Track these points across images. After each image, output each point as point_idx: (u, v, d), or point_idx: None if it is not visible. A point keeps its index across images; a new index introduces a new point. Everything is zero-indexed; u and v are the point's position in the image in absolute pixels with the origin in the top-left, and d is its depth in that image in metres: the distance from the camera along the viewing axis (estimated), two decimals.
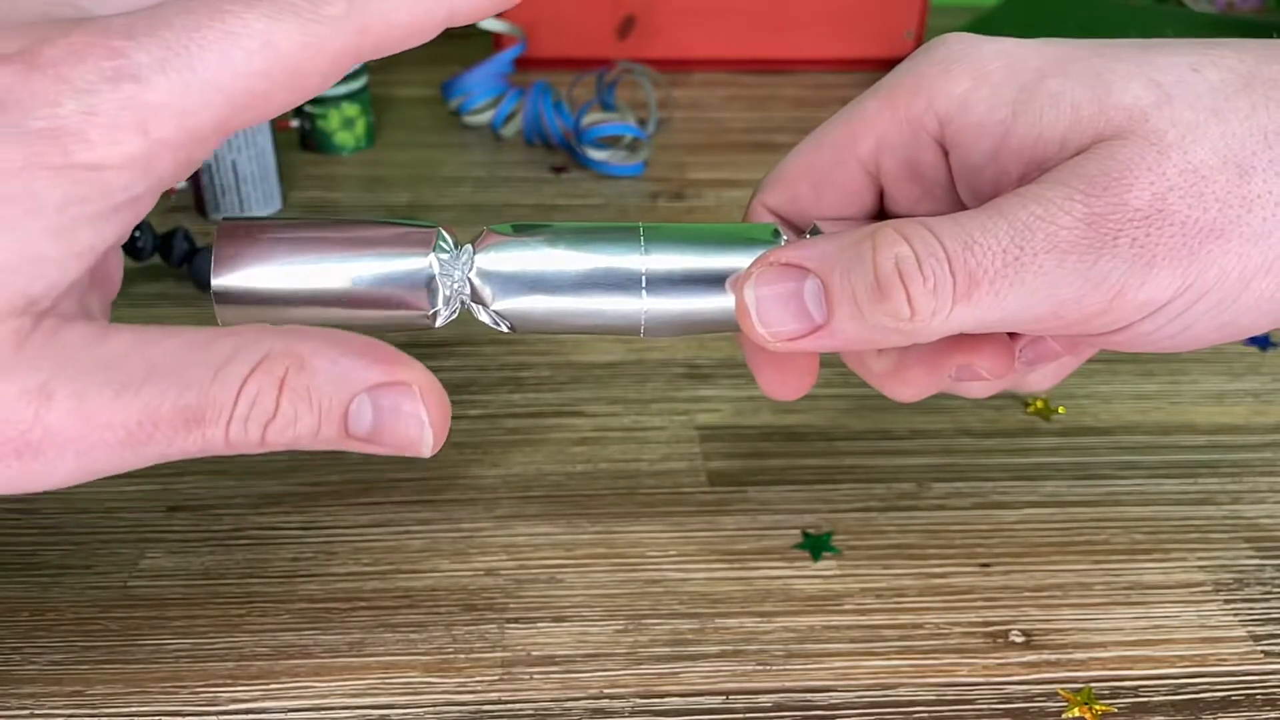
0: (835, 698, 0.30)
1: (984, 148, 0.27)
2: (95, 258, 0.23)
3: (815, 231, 0.29)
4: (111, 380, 0.22)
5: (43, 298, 0.22)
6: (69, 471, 0.23)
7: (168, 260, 0.48)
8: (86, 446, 0.22)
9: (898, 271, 0.25)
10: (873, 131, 0.29)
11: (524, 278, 0.28)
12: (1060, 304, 0.25)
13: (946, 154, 0.28)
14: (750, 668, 0.31)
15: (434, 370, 0.24)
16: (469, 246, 0.28)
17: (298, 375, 0.23)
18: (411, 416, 0.24)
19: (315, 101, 0.59)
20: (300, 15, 0.23)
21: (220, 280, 0.26)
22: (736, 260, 0.28)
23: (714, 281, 0.28)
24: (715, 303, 0.28)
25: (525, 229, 0.28)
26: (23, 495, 0.36)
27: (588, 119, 0.62)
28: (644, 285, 0.28)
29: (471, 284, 0.28)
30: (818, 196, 0.30)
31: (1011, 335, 0.30)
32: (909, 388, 0.31)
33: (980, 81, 0.27)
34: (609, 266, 0.28)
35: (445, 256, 0.27)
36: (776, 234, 0.29)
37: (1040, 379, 0.32)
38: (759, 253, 0.28)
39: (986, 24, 0.77)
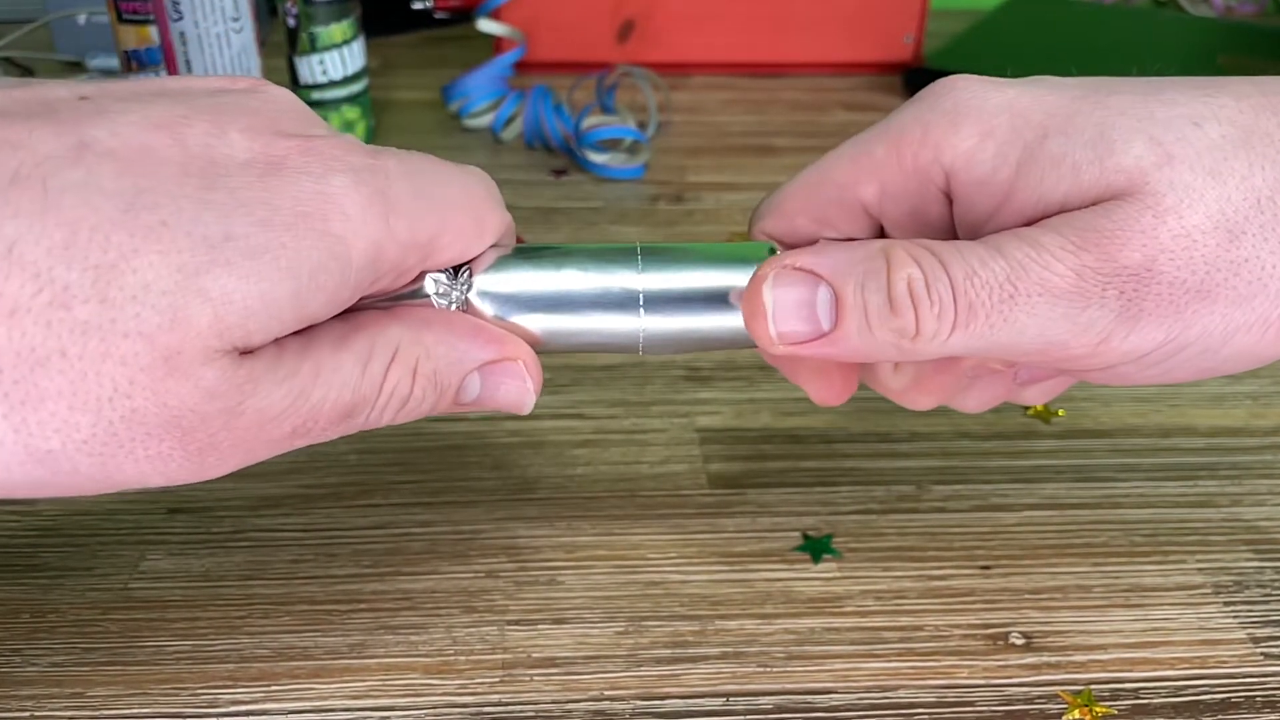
0: (836, 699, 0.30)
1: (987, 204, 0.27)
2: (309, 323, 0.24)
3: None
4: (290, 391, 0.24)
5: (258, 344, 0.23)
6: (236, 464, 0.25)
7: None
8: (258, 444, 0.24)
9: (909, 292, 0.26)
10: (878, 178, 0.29)
11: (523, 298, 0.28)
12: (1048, 343, 0.26)
13: (950, 202, 0.29)
14: (751, 669, 0.31)
15: None
16: (468, 267, 0.28)
17: (426, 362, 0.27)
18: (519, 384, 0.29)
19: (316, 104, 0.59)
20: (484, 179, 0.29)
21: None
22: (733, 278, 0.29)
23: (711, 300, 0.29)
24: (713, 321, 0.29)
25: (525, 250, 0.29)
26: (25, 499, 0.36)
27: (588, 122, 0.62)
28: (641, 304, 0.29)
29: (471, 304, 0.28)
30: (818, 230, 0.31)
31: None
32: (927, 397, 0.31)
33: (986, 137, 0.27)
34: (606, 287, 0.28)
35: (442, 276, 0.28)
36: (772, 252, 0.29)
37: (1036, 394, 0.32)
38: (754, 271, 0.28)
39: (985, 29, 0.77)
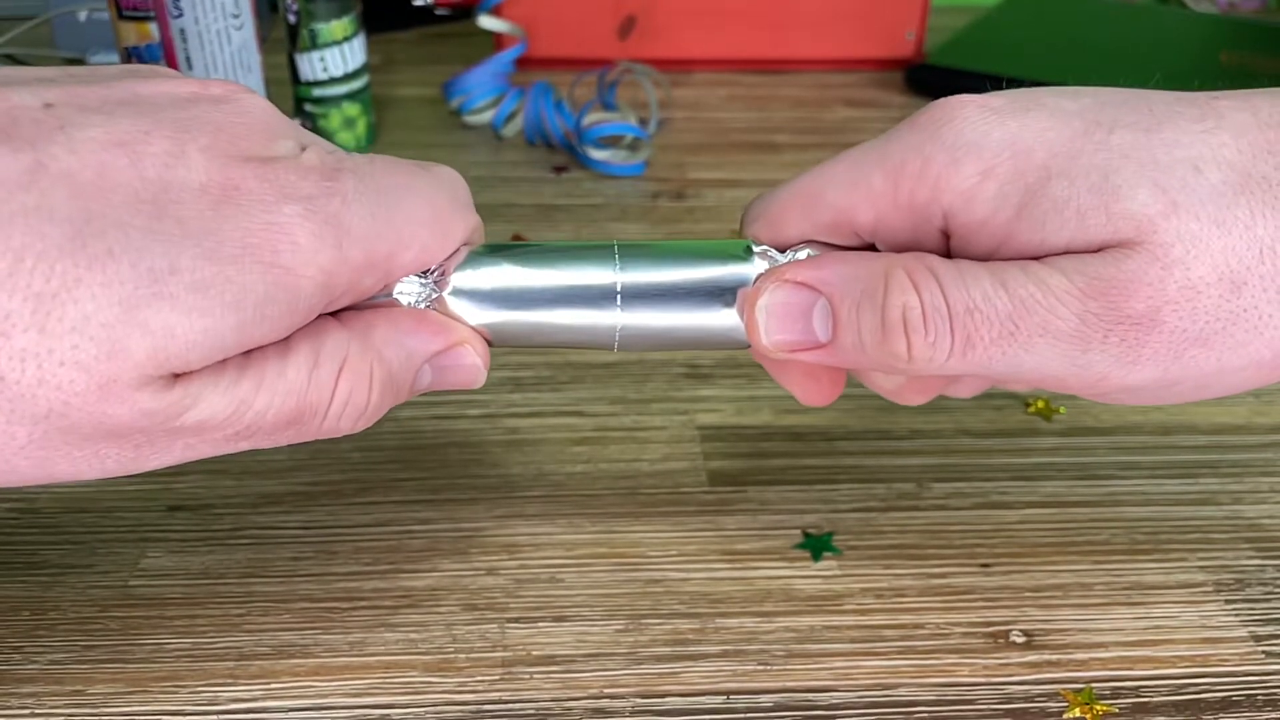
0: (836, 698, 0.30)
1: (986, 244, 0.27)
2: (256, 346, 0.24)
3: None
4: (231, 401, 0.24)
5: (199, 368, 0.23)
6: (176, 460, 0.25)
7: None
8: (198, 442, 0.25)
9: (903, 320, 0.26)
10: (874, 209, 0.28)
11: (499, 294, 0.28)
12: (1044, 377, 0.26)
13: (948, 237, 0.28)
14: (751, 668, 0.31)
15: None
16: (440, 267, 0.28)
17: (380, 368, 0.27)
18: (470, 366, 0.29)
19: (316, 101, 0.59)
20: (450, 183, 0.29)
21: None
22: (710, 273, 0.29)
23: (688, 296, 0.29)
24: (690, 318, 0.29)
25: (498, 247, 0.29)
26: (24, 495, 0.36)
27: (589, 119, 0.62)
28: (619, 302, 0.28)
29: (444, 303, 0.28)
30: (810, 238, 0.30)
31: None
32: (920, 397, 0.31)
33: (986, 177, 0.26)
34: (583, 282, 0.28)
35: (414, 280, 0.28)
36: (749, 250, 0.29)
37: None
38: (733, 268, 0.29)
39: (987, 25, 0.77)
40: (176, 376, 0.23)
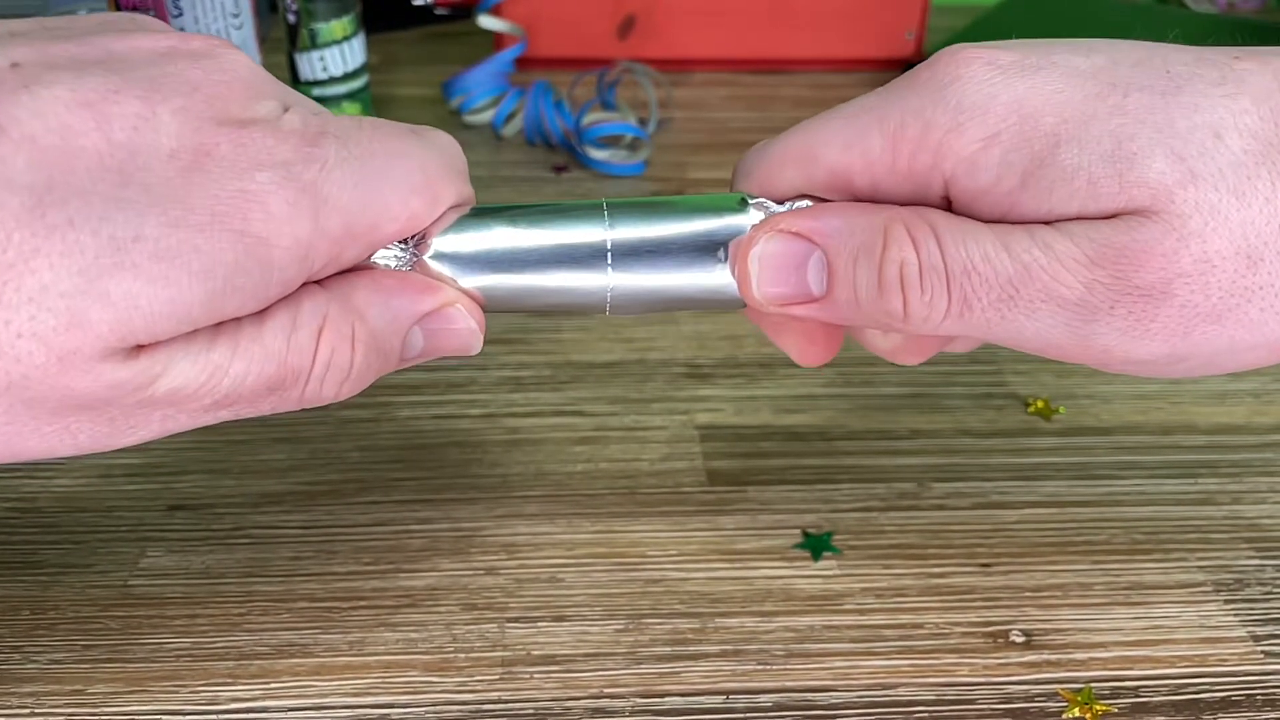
0: (835, 697, 0.30)
1: (989, 213, 0.26)
2: (230, 318, 0.23)
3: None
4: (205, 369, 0.23)
5: (163, 338, 0.22)
6: (154, 434, 0.24)
7: None
8: (176, 413, 0.24)
9: (900, 277, 0.25)
10: (870, 173, 0.27)
11: (484, 257, 0.27)
12: (1045, 344, 0.26)
13: (949, 203, 0.27)
14: (750, 667, 0.31)
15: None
16: (424, 229, 0.27)
17: (362, 327, 0.26)
18: (463, 330, 0.27)
19: (317, 100, 0.59)
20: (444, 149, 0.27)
21: None
22: (703, 226, 0.28)
23: (680, 251, 0.28)
24: (684, 277, 0.28)
25: (483, 210, 0.28)
26: (24, 494, 0.36)
27: (588, 118, 0.62)
28: (609, 261, 0.27)
29: (426, 266, 0.27)
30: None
31: None
32: (917, 357, 0.31)
33: (990, 144, 0.25)
34: (573, 242, 0.27)
35: (394, 246, 0.27)
36: (743, 203, 0.28)
37: None
38: (727, 219, 0.28)
39: (987, 24, 0.77)
40: (143, 347, 0.22)
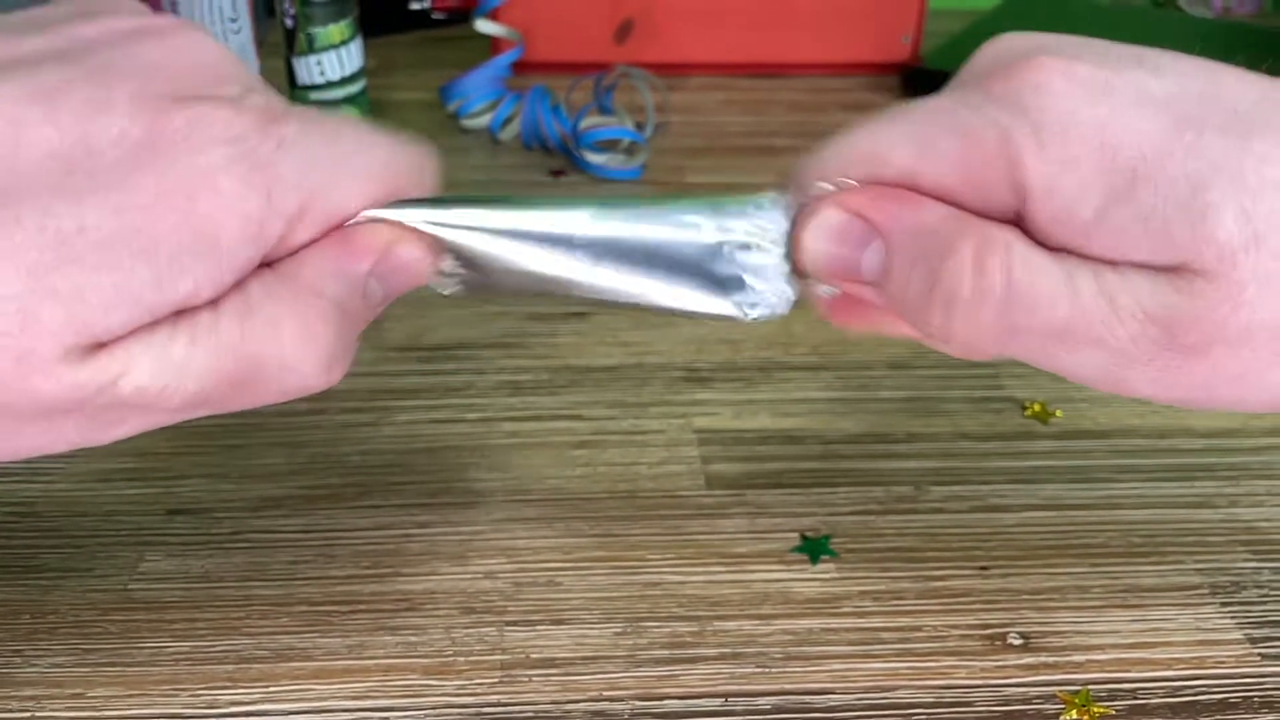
0: (834, 700, 0.30)
1: (1057, 238, 0.25)
2: (188, 305, 0.23)
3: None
4: (168, 366, 0.23)
5: (125, 331, 0.22)
6: (140, 429, 0.24)
7: None
8: (157, 413, 0.24)
9: (954, 297, 0.24)
10: (940, 179, 0.25)
11: (428, 205, 0.26)
12: (1073, 375, 0.26)
13: (1015, 219, 0.26)
14: (749, 670, 0.31)
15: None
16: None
17: (320, 300, 0.25)
18: (410, 261, 0.26)
19: (315, 105, 0.59)
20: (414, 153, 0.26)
21: None
22: (684, 208, 0.27)
23: (659, 220, 0.27)
24: (660, 232, 0.27)
25: (458, 196, 0.27)
26: (23, 498, 0.36)
27: (586, 123, 0.62)
28: (583, 218, 0.26)
29: (368, 215, 0.26)
30: None
31: None
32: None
33: (1070, 167, 0.24)
34: (551, 225, 0.26)
35: None
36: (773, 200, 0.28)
37: None
38: (723, 205, 0.27)
39: (983, 28, 0.77)
40: (103, 345, 0.22)
